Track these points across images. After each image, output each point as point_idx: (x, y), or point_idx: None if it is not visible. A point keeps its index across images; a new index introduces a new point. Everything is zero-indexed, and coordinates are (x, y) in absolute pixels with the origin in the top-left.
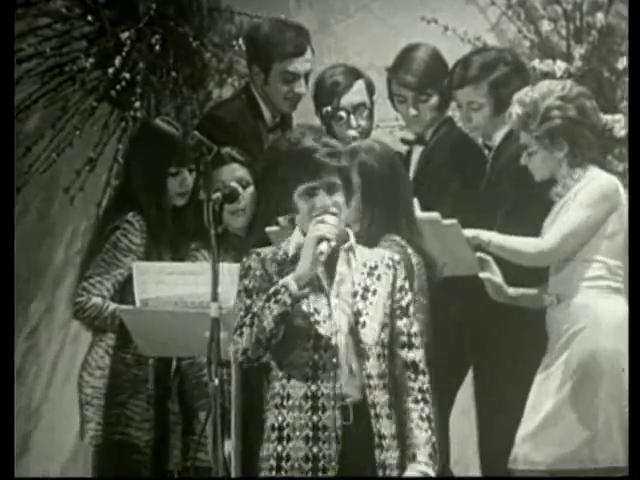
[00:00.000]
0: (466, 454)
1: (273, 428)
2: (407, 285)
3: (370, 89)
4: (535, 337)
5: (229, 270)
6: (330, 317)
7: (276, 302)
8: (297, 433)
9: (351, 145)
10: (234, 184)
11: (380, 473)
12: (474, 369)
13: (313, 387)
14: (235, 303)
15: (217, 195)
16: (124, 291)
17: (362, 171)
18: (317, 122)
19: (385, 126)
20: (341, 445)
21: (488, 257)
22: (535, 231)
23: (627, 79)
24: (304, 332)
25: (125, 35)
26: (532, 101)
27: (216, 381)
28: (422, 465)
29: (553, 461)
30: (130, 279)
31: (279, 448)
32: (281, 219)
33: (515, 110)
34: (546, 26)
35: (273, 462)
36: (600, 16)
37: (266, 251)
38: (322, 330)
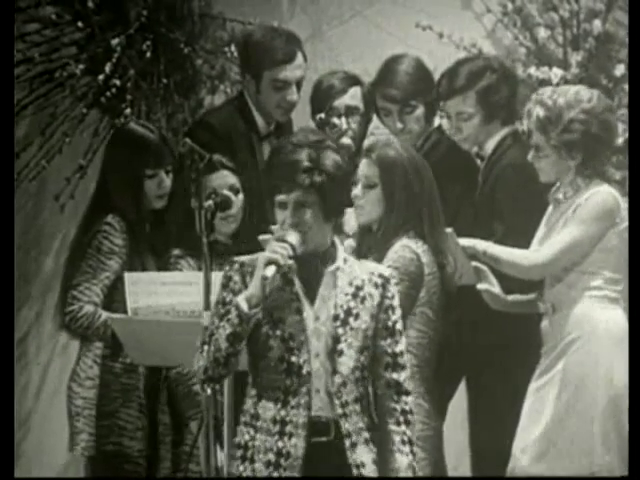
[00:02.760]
0: (458, 469)
1: (239, 446)
2: (396, 302)
3: (367, 97)
4: (530, 345)
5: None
6: (305, 344)
7: (228, 321)
8: (260, 456)
9: (370, 140)
10: (226, 192)
11: None
12: (467, 379)
13: (282, 412)
14: (211, 314)
15: (209, 203)
16: (111, 297)
17: (381, 165)
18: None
19: (379, 133)
20: (302, 475)
21: (484, 266)
22: (531, 241)
23: (626, 86)
24: (277, 356)
25: (115, 41)
26: (557, 107)
27: (209, 391)
28: None
29: (550, 472)
30: (117, 284)
31: (241, 468)
32: (274, 227)
33: (536, 111)
34: (542, 33)
35: None
36: (597, 23)
37: (249, 261)
38: (294, 358)
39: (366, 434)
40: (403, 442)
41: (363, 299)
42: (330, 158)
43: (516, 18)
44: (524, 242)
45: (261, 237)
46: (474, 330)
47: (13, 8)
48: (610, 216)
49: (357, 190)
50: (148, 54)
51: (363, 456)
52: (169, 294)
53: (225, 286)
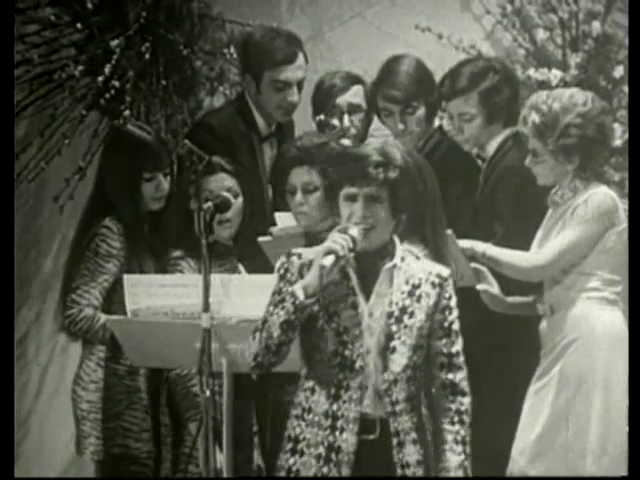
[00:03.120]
0: None
1: (289, 439)
2: (453, 303)
3: (369, 96)
4: (529, 347)
5: (221, 281)
6: (359, 338)
7: (282, 309)
8: (311, 450)
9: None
10: (226, 193)
11: None
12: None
13: (334, 406)
14: (267, 304)
15: (209, 205)
16: (110, 299)
17: None
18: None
19: (379, 135)
20: (352, 470)
21: (483, 268)
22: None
23: (625, 87)
24: (331, 349)
25: (114, 42)
26: (552, 113)
27: (207, 392)
28: None
29: (548, 473)
30: (116, 286)
31: (291, 461)
32: (274, 229)
33: (532, 117)
34: (541, 35)
35: (283, 474)
36: (596, 25)
37: (306, 254)
38: (347, 352)
39: (414, 434)
40: (456, 441)
41: (419, 298)
42: (399, 154)
43: (515, 19)
44: (524, 244)
45: (260, 238)
46: (473, 332)
47: (13, 9)
48: (608, 217)
49: None
50: (147, 55)
51: (410, 456)
52: (168, 296)
53: (282, 277)
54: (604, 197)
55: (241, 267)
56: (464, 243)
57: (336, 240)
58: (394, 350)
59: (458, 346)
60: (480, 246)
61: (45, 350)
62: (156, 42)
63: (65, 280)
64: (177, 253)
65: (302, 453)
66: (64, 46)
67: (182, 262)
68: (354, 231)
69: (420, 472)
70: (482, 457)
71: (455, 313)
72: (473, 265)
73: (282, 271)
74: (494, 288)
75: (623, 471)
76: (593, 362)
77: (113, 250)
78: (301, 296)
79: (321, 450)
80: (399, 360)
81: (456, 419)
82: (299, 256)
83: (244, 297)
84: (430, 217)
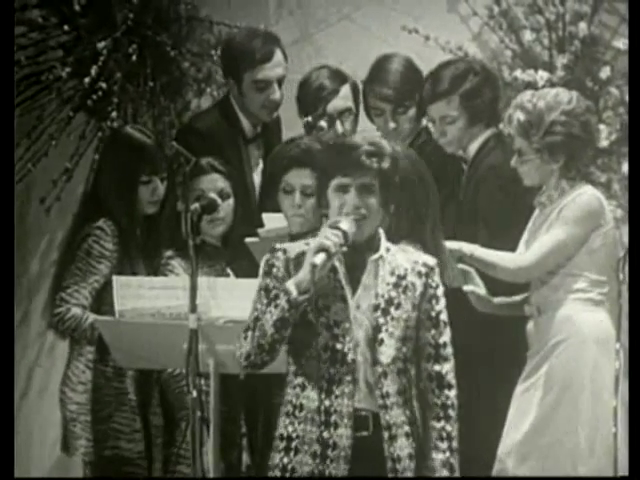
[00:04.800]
0: None
1: (282, 438)
2: (440, 292)
3: (355, 93)
4: (516, 348)
5: (207, 283)
6: (349, 331)
7: (276, 306)
8: (305, 447)
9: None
10: (213, 195)
11: None
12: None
13: (327, 402)
14: (253, 301)
15: (196, 206)
16: (101, 300)
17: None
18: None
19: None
20: (349, 466)
21: (470, 268)
22: (516, 243)
23: (611, 88)
24: (322, 343)
25: (102, 44)
26: (537, 111)
27: (194, 393)
28: None
29: (534, 473)
30: (107, 287)
31: (285, 460)
32: (261, 230)
33: (517, 116)
34: (528, 36)
35: (278, 473)
36: (583, 26)
37: (291, 249)
38: (339, 345)
39: (407, 428)
40: (441, 438)
41: (405, 288)
42: (387, 143)
43: (502, 21)
44: (507, 244)
45: (247, 239)
46: (460, 333)
47: (13, 9)
48: (594, 218)
49: None
50: (134, 57)
51: (402, 450)
52: (157, 297)
53: (268, 273)
54: (590, 197)
55: (229, 270)
56: (452, 244)
57: (328, 237)
58: (382, 342)
59: (446, 337)
60: (468, 247)
61: (32, 350)
62: (143, 44)
63: (55, 279)
64: (168, 253)
65: (297, 451)
66: (51, 48)
67: (172, 262)
68: (345, 225)
69: (412, 466)
70: (468, 457)
71: (442, 302)
72: (460, 266)
73: (267, 267)
74: (481, 289)
75: (610, 472)
76: (580, 363)
77: (106, 251)
78: (294, 292)
79: (316, 447)
80: (387, 352)
81: (442, 414)
82: (284, 251)
83: (231, 299)
84: (430, 218)
